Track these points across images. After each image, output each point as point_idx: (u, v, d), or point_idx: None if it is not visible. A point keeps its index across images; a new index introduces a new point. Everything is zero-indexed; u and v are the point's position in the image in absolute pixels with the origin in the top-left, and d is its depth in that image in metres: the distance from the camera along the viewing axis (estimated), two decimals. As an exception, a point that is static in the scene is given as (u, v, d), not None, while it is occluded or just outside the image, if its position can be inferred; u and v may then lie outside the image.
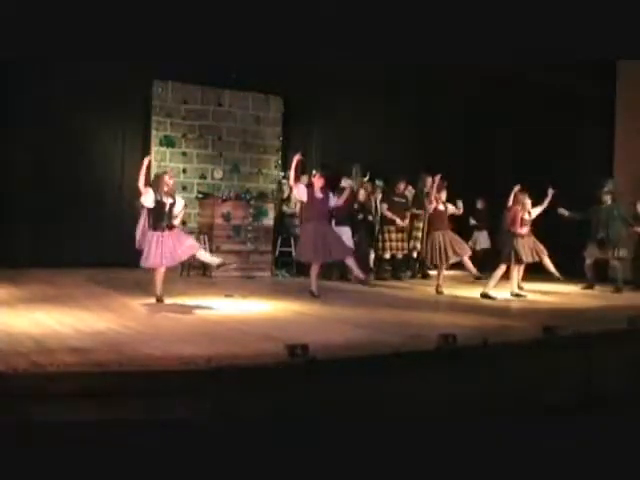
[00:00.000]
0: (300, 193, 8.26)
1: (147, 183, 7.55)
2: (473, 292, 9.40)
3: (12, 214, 10.04)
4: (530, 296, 9.24)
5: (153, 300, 7.37)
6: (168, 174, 7.70)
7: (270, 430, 3.83)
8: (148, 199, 7.33)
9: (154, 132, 11.10)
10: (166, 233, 7.36)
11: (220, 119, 11.59)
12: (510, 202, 9.25)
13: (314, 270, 8.26)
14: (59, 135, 10.42)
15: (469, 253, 9.55)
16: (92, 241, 10.54)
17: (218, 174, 11.57)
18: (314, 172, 8.64)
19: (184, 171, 11.21)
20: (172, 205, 7.43)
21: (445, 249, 9.11)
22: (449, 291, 9.36)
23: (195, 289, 7.85)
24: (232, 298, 7.87)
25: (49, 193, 10.28)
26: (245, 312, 7.13)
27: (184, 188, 11.01)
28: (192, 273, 10.15)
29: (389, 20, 8.09)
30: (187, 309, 7.13)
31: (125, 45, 8.65)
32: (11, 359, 4.52)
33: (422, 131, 12.46)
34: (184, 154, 11.30)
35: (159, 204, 7.35)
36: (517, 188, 9.23)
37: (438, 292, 9.20)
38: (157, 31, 8.34)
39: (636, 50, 7.78)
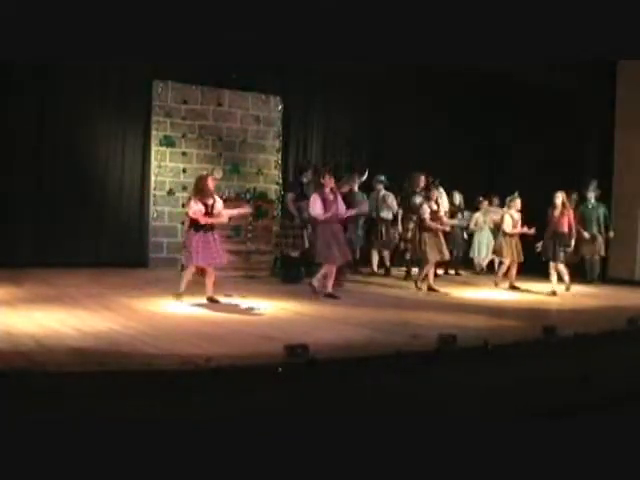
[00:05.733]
0: (317, 208, 8.15)
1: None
2: (473, 292, 9.42)
3: (12, 214, 10.03)
4: (530, 296, 9.27)
5: (153, 300, 7.36)
6: (211, 176, 7.80)
7: (270, 430, 3.83)
8: (196, 209, 7.39)
9: (154, 132, 11.08)
10: (208, 234, 7.41)
11: (220, 119, 11.58)
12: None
13: (330, 272, 8.19)
14: (59, 135, 10.41)
15: (446, 259, 9.87)
16: (92, 241, 10.54)
17: (218, 174, 11.56)
18: (324, 174, 8.51)
19: (184, 171, 11.20)
20: (213, 205, 7.48)
21: (433, 250, 9.22)
22: (448, 291, 9.37)
23: (195, 289, 7.84)
24: (232, 298, 7.87)
25: (49, 193, 10.27)
26: (245, 312, 7.13)
27: (184, 188, 11.00)
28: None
29: (389, 20, 8.09)
30: (187, 309, 7.14)
31: (125, 45, 8.65)
32: (11, 359, 4.53)
33: (421, 130, 12.46)
34: (184, 154, 11.29)
35: (203, 206, 7.42)
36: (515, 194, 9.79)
37: (434, 290, 9.24)
38: (157, 31, 8.33)
39: (636, 50, 7.78)
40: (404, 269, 10.89)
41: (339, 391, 4.58)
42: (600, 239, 10.55)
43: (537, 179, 11.06)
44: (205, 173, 8.35)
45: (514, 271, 9.93)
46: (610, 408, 4.82)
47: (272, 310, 7.30)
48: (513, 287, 9.84)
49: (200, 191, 7.49)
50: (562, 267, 9.53)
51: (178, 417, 3.93)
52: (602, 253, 10.60)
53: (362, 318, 6.94)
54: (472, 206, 11.79)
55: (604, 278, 10.77)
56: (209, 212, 7.44)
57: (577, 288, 10.06)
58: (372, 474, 3.56)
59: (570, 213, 9.64)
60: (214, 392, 4.28)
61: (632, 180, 11.03)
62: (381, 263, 11.19)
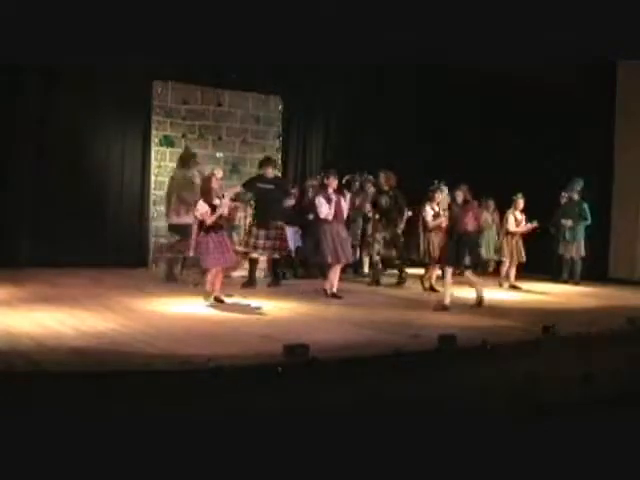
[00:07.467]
0: (323, 208, 8.30)
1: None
2: (473, 292, 9.40)
3: (12, 214, 10.02)
4: (530, 296, 9.26)
5: (153, 300, 7.35)
6: (215, 176, 7.82)
7: (270, 430, 3.83)
8: (203, 210, 7.39)
9: (154, 132, 11.07)
10: (219, 234, 7.41)
11: (220, 119, 11.57)
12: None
13: (335, 272, 8.30)
14: (59, 135, 10.40)
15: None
16: (92, 241, 10.51)
17: (218, 174, 11.54)
18: (328, 174, 8.61)
19: (184, 171, 11.19)
20: (219, 206, 7.47)
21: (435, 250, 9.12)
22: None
23: (195, 289, 7.84)
24: (232, 298, 7.86)
25: (49, 193, 10.26)
26: (245, 312, 7.13)
27: (184, 188, 10.98)
28: (192, 272, 10.13)
29: (389, 20, 8.10)
30: (187, 309, 7.13)
31: (125, 45, 8.67)
32: (11, 359, 4.53)
33: (422, 129, 12.45)
34: (184, 154, 11.27)
35: (210, 207, 7.41)
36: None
37: (434, 290, 9.16)
38: (157, 31, 8.35)
39: (636, 50, 7.79)
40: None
41: (339, 391, 4.58)
42: (581, 239, 10.46)
43: (537, 179, 11.05)
44: (207, 173, 8.34)
45: (514, 271, 9.99)
46: (610, 408, 4.82)
47: (272, 310, 7.29)
48: (513, 287, 9.88)
49: (206, 192, 7.50)
50: (470, 274, 8.08)
51: (178, 417, 3.93)
52: (582, 253, 10.49)
53: (362, 318, 6.93)
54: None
55: (587, 278, 10.64)
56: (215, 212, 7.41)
57: (575, 288, 10.05)
58: (372, 474, 3.56)
59: (475, 209, 8.21)
60: (214, 392, 4.28)
61: (632, 180, 11.01)
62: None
